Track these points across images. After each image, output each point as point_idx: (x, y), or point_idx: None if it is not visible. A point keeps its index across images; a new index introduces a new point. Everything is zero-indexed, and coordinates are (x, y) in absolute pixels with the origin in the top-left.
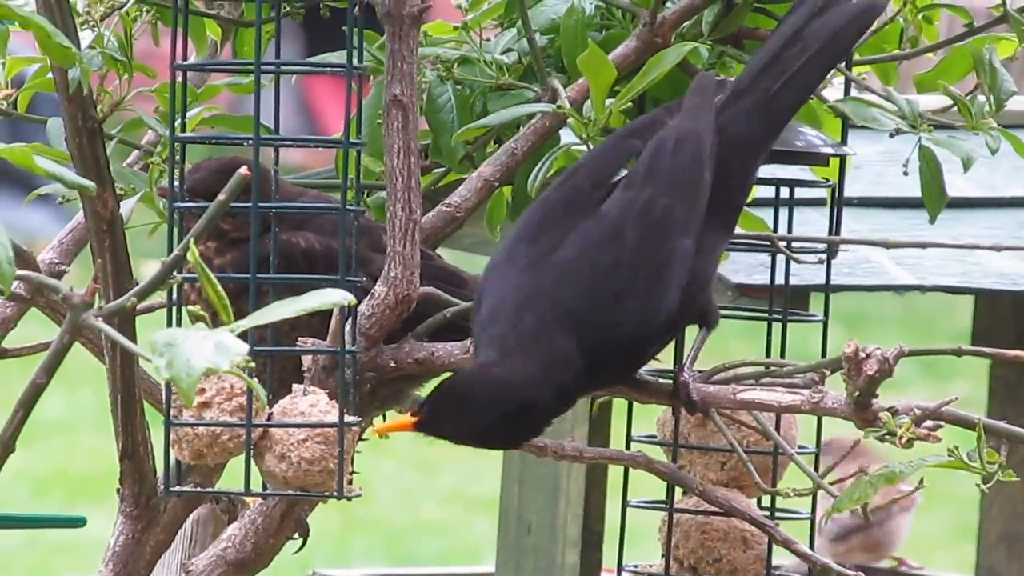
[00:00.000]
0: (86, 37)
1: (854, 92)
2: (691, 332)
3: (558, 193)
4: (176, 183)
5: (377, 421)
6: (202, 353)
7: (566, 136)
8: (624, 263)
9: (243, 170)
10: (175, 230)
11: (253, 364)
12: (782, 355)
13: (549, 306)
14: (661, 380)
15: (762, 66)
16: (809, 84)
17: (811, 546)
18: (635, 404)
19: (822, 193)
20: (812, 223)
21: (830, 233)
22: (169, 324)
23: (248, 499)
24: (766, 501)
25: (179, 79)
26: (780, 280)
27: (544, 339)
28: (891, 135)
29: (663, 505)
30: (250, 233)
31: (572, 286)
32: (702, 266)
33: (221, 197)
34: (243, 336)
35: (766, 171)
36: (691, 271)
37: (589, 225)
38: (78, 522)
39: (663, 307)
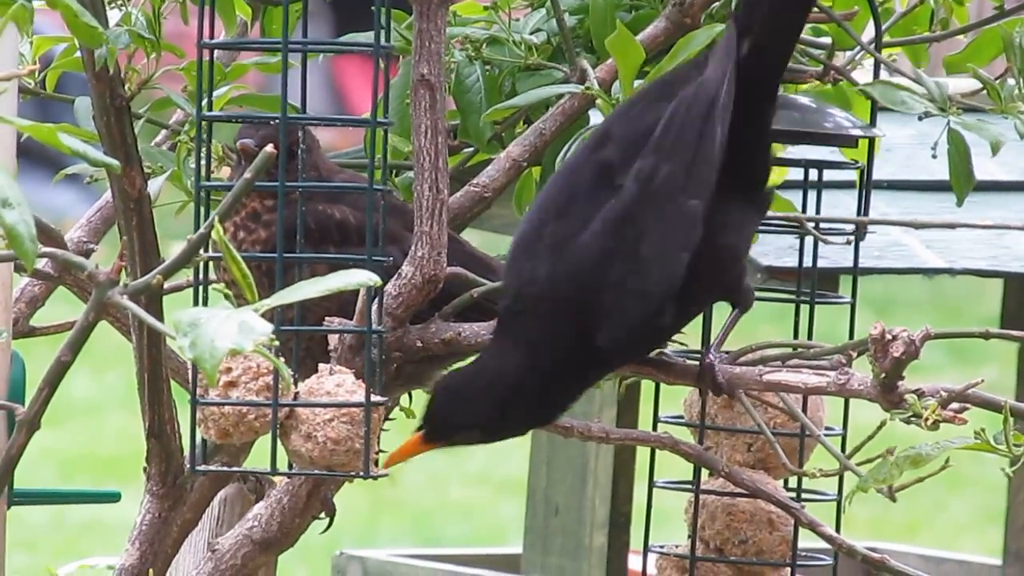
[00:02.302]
0: (114, 16)
1: (884, 75)
2: (720, 314)
3: (588, 165)
4: (203, 162)
5: (385, 454)
6: (226, 333)
7: (595, 117)
8: (629, 238)
9: (270, 148)
10: (202, 209)
11: (278, 343)
12: (810, 337)
13: (567, 294)
14: (688, 361)
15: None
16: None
17: (837, 528)
18: (662, 385)
19: (851, 175)
20: (841, 205)
21: (859, 215)
22: (196, 303)
23: (274, 478)
24: (792, 483)
25: (207, 58)
26: (808, 262)
27: (557, 324)
28: (920, 118)
29: (689, 486)
30: (293, 208)
31: (590, 274)
32: (729, 241)
33: (247, 175)
34: (270, 314)
35: (795, 152)
36: (716, 245)
37: (611, 206)
38: (112, 497)
39: (668, 274)
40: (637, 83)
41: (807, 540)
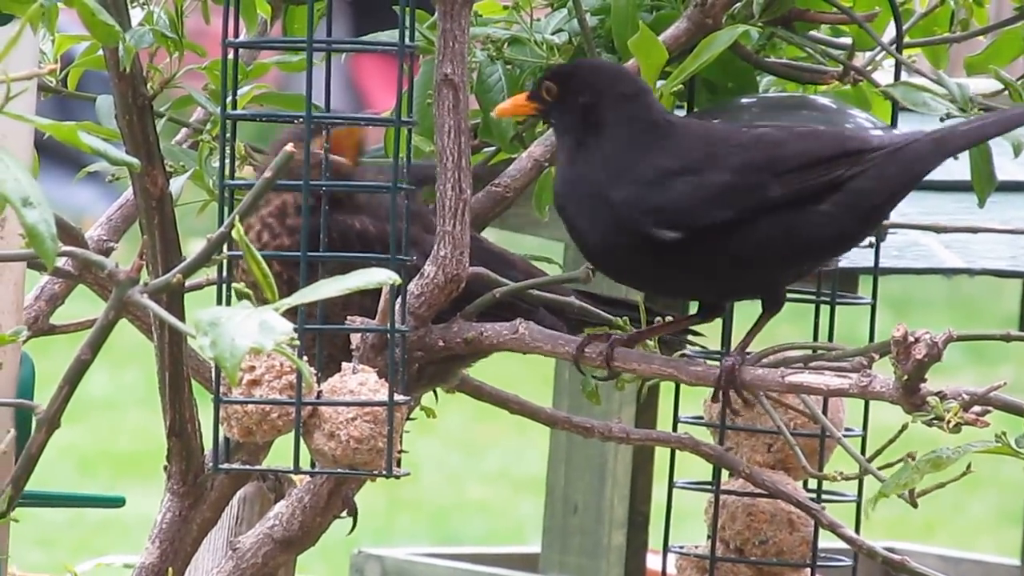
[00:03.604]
0: (137, 15)
1: (904, 76)
2: (740, 316)
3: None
4: (227, 161)
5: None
6: (246, 332)
7: None
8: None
9: (289, 147)
10: (226, 208)
11: (299, 343)
12: (830, 338)
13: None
14: (709, 362)
15: None
16: None
17: (857, 530)
18: (683, 385)
19: None
20: None
21: None
22: (219, 302)
23: (295, 477)
24: (813, 484)
25: (230, 57)
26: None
27: None
28: (941, 119)
29: (710, 487)
30: (319, 209)
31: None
32: (777, 241)
33: (268, 174)
34: (292, 314)
35: None
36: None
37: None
38: (117, 502)
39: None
40: (660, 84)
41: (827, 541)
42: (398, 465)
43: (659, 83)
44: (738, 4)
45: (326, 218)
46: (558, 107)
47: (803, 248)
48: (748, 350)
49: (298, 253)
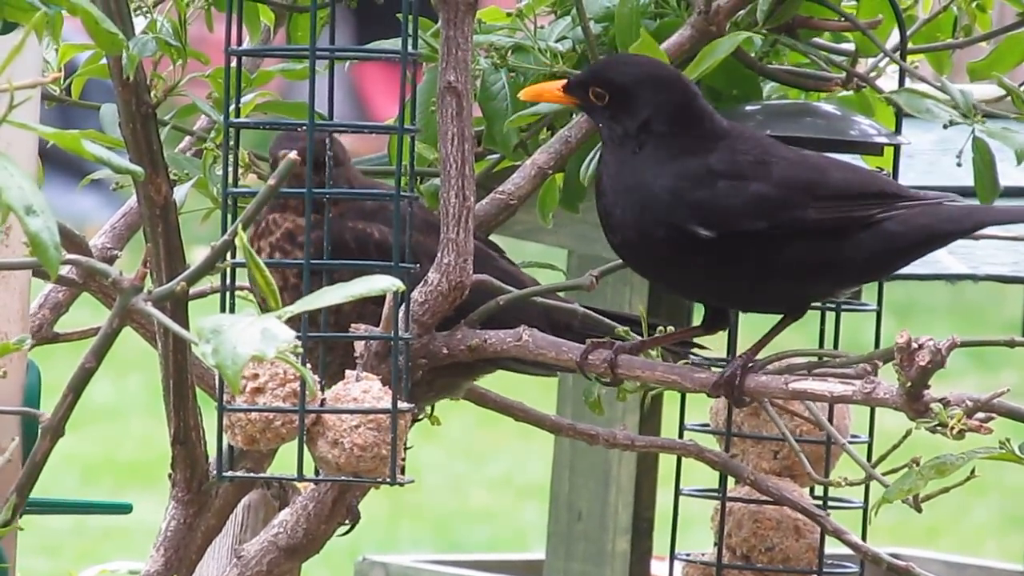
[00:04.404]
0: (140, 23)
1: (908, 82)
2: (745, 324)
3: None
4: (230, 168)
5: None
6: (248, 340)
7: None
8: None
9: (293, 155)
10: (229, 216)
11: (302, 350)
12: (835, 345)
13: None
14: (714, 369)
15: None
16: None
17: (863, 536)
18: (689, 393)
19: None
20: None
21: None
22: (223, 310)
23: (299, 485)
24: (819, 490)
25: (233, 65)
26: None
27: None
28: (945, 126)
29: (715, 494)
30: (310, 222)
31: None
32: (801, 261)
33: (271, 182)
34: (296, 322)
35: None
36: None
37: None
38: (124, 508)
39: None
40: None
41: (833, 547)
42: (402, 472)
43: None
44: (742, 11)
45: (340, 229)
46: (606, 112)
47: (823, 274)
48: (757, 356)
49: (301, 261)
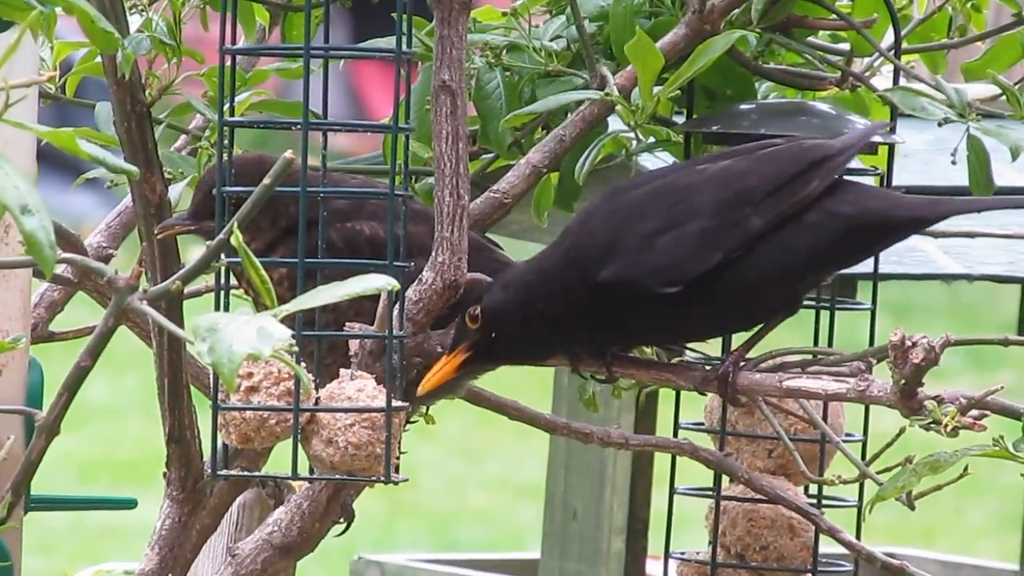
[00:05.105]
0: (135, 21)
1: (903, 81)
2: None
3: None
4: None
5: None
6: (244, 338)
7: (614, 123)
8: (679, 210)
9: (288, 154)
10: (223, 215)
11: (297, 349)
12: (830, 343)
13: (590, 235)
14: (707, 367)
15: None
16: None
17: (857, 535)
18: (683, 391)
19: (871, 181)
20: None
21: None
22: (217, 309)
23: (294, 483)
24: (813, 489)
25: (228, 63)
26: None
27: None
28: (940, 124)
29: (710, 492)
30: (304, 221)
31: (628, 216)
32: (776, 264)
33: (266, 181)
34: (291, 320)
35: None
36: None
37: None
38: (128, 504)
39: (688, 256)
40: (657, 89)
41: (828, 546)
42: (396, 471)
43: (656, 89)
44: (736, 10)
45: (326, 227)
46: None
47: (804, 262)
48: (748, 355)
49: (295, 260)
